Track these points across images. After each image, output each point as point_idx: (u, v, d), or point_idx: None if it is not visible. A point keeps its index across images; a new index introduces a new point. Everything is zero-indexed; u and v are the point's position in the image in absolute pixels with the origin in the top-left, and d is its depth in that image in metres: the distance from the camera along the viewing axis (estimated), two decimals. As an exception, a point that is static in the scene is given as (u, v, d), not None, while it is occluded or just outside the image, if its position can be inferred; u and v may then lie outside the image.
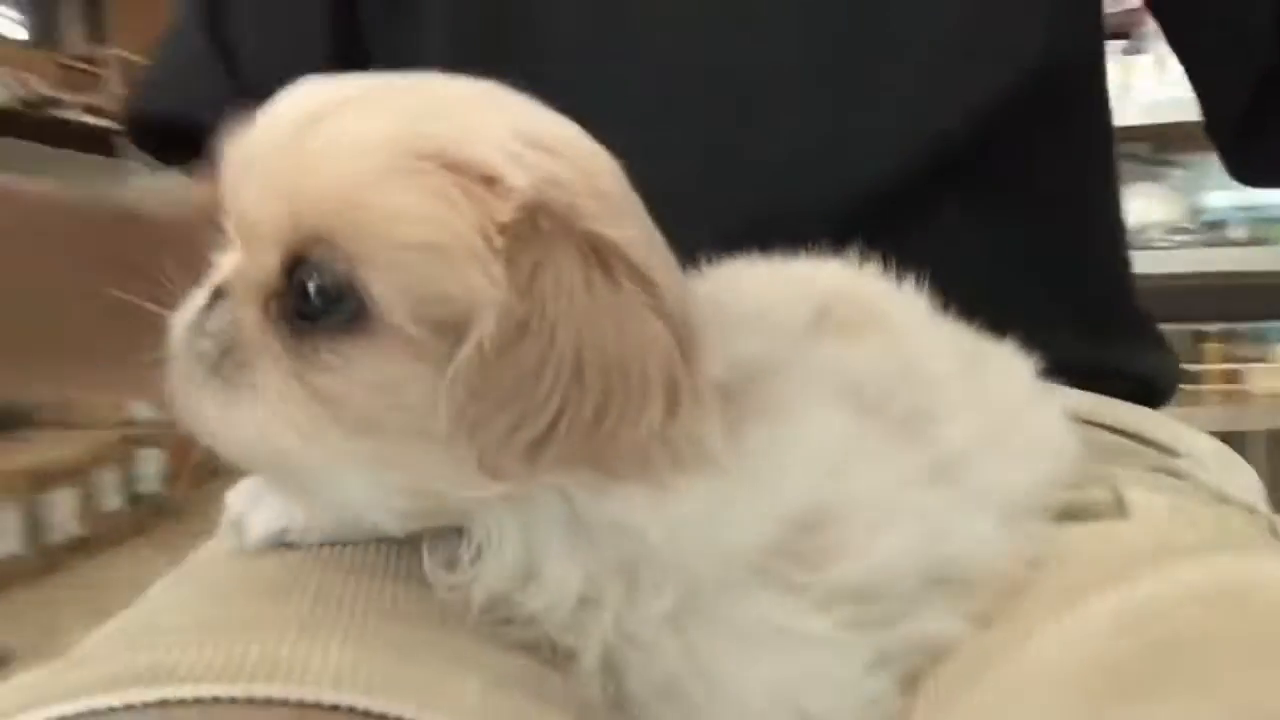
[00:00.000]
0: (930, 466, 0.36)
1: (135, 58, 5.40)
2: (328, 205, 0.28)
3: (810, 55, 0.52)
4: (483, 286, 0.27)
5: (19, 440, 2.27)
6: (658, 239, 0.32)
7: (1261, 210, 2.01)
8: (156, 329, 0.32)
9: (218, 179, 0.32)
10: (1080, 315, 0.56)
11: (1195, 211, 2.14)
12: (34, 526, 2.22)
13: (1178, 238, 2.08)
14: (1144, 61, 2.00)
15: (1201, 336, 2.07)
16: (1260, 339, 2.07)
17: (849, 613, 0.31)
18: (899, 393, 0.38)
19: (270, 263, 0.30)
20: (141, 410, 2.47)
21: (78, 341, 0.44)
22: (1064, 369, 0.52)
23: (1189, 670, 0.28)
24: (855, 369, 0.38)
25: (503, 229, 0.27)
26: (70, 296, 0.41)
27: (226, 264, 0.33)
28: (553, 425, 0.28)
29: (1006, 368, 0.45)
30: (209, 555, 0.38)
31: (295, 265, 0.29)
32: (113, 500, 2.53)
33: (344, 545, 0.34)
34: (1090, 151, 0.58)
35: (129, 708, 0.26)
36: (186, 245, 0.33)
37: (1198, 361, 2.03)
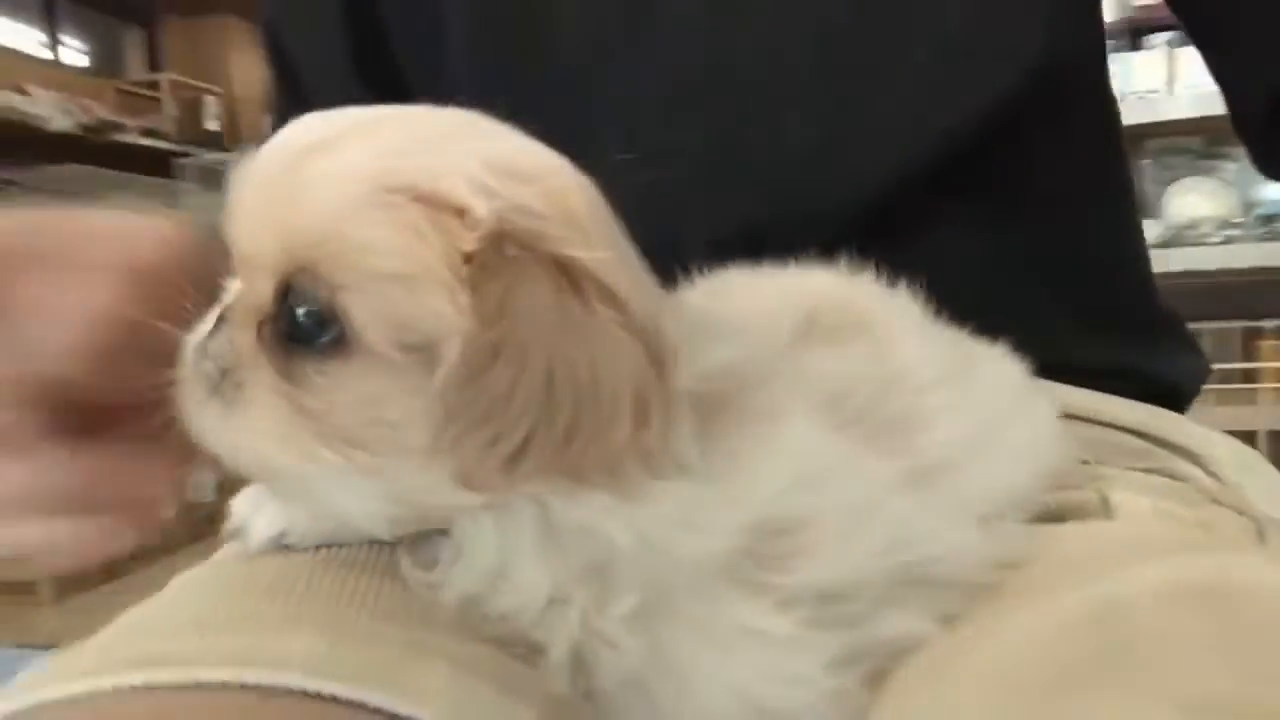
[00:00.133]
0: (909, 472, 0.37)
1: (191, 82, 5.60)
2: (311, 237, 0.30)
3: (811, 55, 0.53)
4: (449, 314, 0.29)
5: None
6: (631, 258, 0.34)
7: (1317, 204, 1.96)
8: None
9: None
10: (1087, 315, 0.55)
11: (1248, 205, 2.09)
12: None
13: (1230, 233, 2.03)
14: (1191, 53, 1.96)
15: (1255, 333, 2.01)
16: (1317, 336, 2.01)
17: (812, 613, 0.32)
18: (881, 400, 0.39)
19: (264, 290, 0.32)
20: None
21: None
22: (1072, 369, 0.52)
23: (1140, 666, 0.28)
24: (838, 377, 0.39)
25: (468, 258, 0.29)
26: None
27: (232, 290, 0.35)
28: (526, 442, 0.29)
29: (995, 371, 0.45)
30: (220, 557, 0.40)
31: (285, 292, 0.32)
32: (168, 510, 2.62)
33: (338, 546, 0.36)
34: (1093, 151, 0.58)
35: (118, 690, 0.29)
36: None
37: (1252, 359, 1.98)
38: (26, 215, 0.37)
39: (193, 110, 5.46)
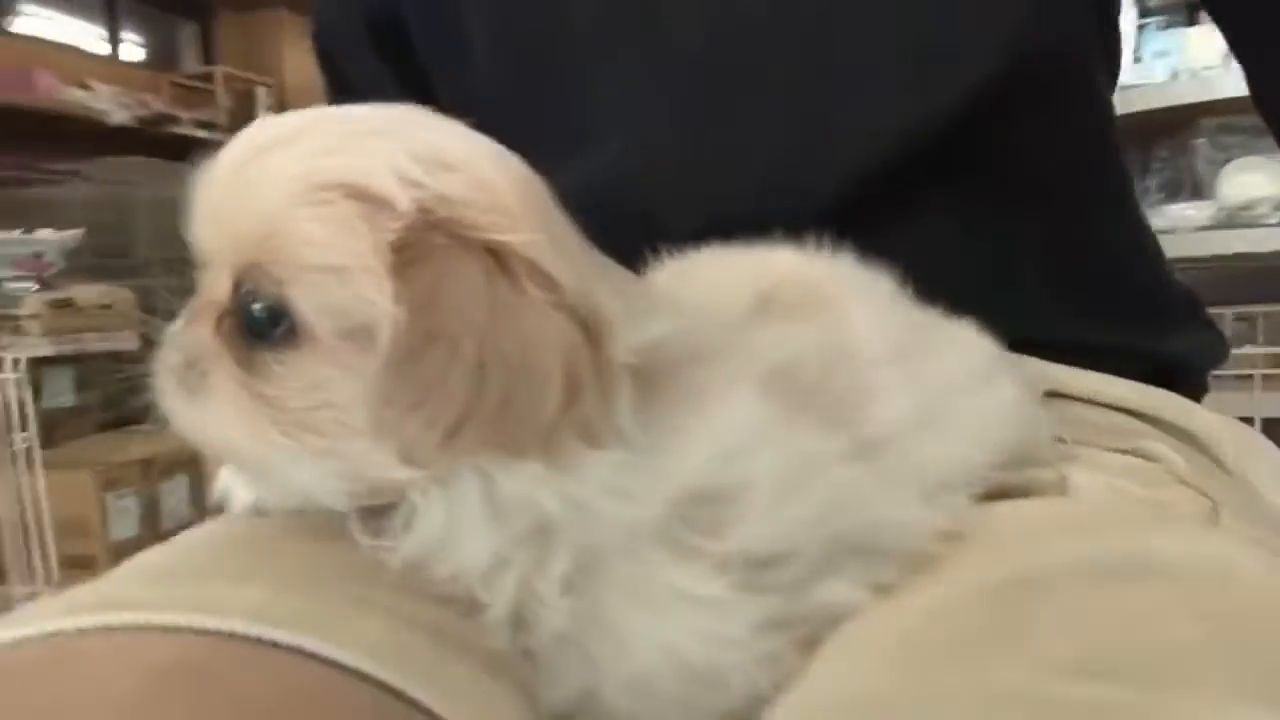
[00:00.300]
0: (856, 444, 0.38)
1: (243, 75, 5.72)
2: (258, 234, 0.33)
3: (791, 43, 0.53)
4: (380, 301, 0.31)
5: (137, 434, 2.50)
6: (566, 239, 0.35)
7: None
8: None
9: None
10: (1081, 297, 0.55)
11: (1306, 186, 2.00)
12: (151, 512, 2.47)
13: (1286, 214, 1.95)
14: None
15: (1312, 318, 1.93)
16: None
17: (743, 578, 0.33)
18: (829, 374, 0.40)
19: (224, 285, 0.35)
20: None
21: None
22: (1071, 349, 0.52)
23: (1036, 635, 0.29)
24: (787, 352, 0.40)
25: (394, 248, 0.31)
26: None
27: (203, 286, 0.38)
28: (461, 419, 0.31)
29: (960, 348, 0.45)
30: (209, 522, 0.43)
31: (241, 287, 0.34)
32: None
33: (307, 512, 0.39)
34: (1085, 137, 0.58)
35: (80, 631, 0.32)
36: None
37: (1310, 342, 1.90)
38: None
39: (245, 102, 5.59)
